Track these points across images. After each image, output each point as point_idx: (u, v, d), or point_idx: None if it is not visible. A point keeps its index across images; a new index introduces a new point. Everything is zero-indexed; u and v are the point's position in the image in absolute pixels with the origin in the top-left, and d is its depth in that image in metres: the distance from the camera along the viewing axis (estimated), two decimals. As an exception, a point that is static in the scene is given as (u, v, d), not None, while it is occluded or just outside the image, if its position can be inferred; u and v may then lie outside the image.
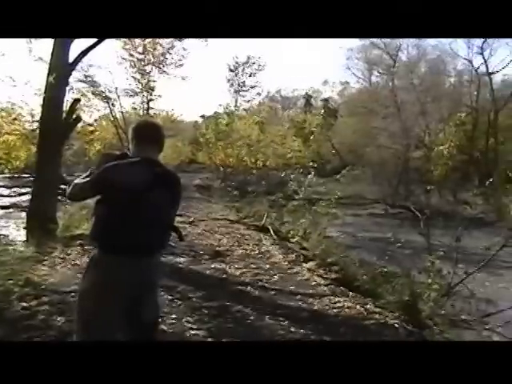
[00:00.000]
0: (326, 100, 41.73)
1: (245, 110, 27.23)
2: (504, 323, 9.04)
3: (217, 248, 10.72)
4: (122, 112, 28.43)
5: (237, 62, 39.94)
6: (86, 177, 3.51)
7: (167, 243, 3.71)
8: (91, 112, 24.49)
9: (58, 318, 5.63)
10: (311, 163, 13.62)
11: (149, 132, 3.68)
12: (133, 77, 29.81)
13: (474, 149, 40.23)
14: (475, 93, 42.09)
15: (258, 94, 47.35)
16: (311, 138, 12.92)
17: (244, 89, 39.22)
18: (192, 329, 5.68)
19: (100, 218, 3.36)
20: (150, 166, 3.46)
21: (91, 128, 25.82)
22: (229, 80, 40.99)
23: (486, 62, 39.49)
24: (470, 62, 41.83)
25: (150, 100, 30.00)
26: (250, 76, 39.41)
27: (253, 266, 9.38)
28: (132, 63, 29.01)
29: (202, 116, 42.04)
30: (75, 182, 3.55)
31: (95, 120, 28.06)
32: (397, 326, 6.73)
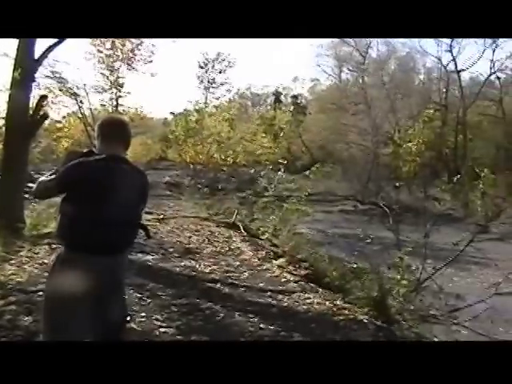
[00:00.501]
0: (295, 97, 41.72)
1: (215, 106, 27.13)
2: (472, 317, 9.17)
3: (186, 245, 10.69)
4: (90, 109, 28.07)
5: (206, 59, 39.77)
6: (52, 175, 3.45)
7: (134, 241, 3.68)
8: (59, 109, 24.25)
9: (25, 318, 5.55)
10: (281, 160, 13.60)
11: (115, 129, 3.63)
12: (101, 73, 29.35)
13: (443, 145, 40.66)
14: (444, 90, 42.59)
15: (228, 90, 47.28)
16: (281, 134, 12.95)
17: (214, 85, 39.06)
18: (161, 327, 5.65)
19: (66, 216, 3.32)
20: (116, 163, 3.42)
21: (59, 125, 25.51)
22: (198, 77, 40.87)
23: (454, 59, 40.00)
24: (439, 59, 42.38)
25: (119, 97, 29.73)
26: (220, 73, 39.23)
27: (223, 263, 9.37)
28: (100, 59, 28.52)
29: (172, 113, 41.83)
30: (40, 179, 3.50)
31: (63, 117, 27.72)
32: (366, 321, 6.78)
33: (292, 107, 15.82)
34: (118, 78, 29.24)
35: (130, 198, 3.45)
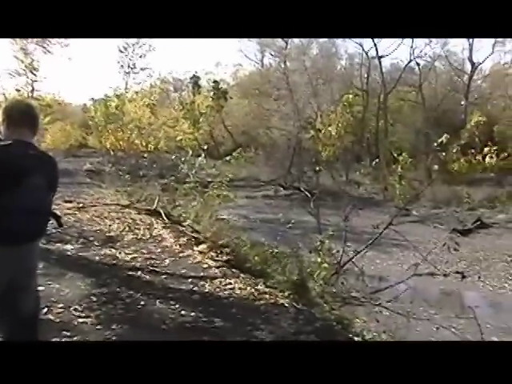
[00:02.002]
0: (215, 82, 41.49)
1: (135, 92, 26.61)
2: (393, 298, 9.42)
3: (107, 234, 10.52)
4: (3, 94, 27.17)
5: (126, 43, 38.95)
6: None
7: (45, 229, 3.59)
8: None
9: None
10: (203, 146, 13.53)
11: (21, 113, 3.51)
12: (15, 56, 28.40)
13: (365, 130, 41.47)
14: (365, 76, 43.37)
15: (149, 75, 46.62)
16: (201, 120, 12.88)
17: (134, 70, 38.38)
18: (80, 317, 5.56)
19: (-27, 205, 3.21)
20: (23, 148, 3.32)
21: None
22: (118, 61, 40.00)
23: (375, 45, 40.73)
24: (361, 45, 43.09)
25: (35, 81, 28.87)
26: (141, 57, 38.58)
27: (144, 250, 9.28)
28: (13, 40, 27.51)
29: (92, 99, 40.86)
30: None
31: (-26, 103, 26.75)
32: (287, 305, 6.87)
33: (213, 92, 15.75)
34: (33, 61, 28.33)
35: (40, 185, 3.35)
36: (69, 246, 9.10)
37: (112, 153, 24.81)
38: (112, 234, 10.56)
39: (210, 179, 12.94)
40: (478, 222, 24.45)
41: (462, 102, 39.41)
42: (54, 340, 4.68)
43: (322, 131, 10.91)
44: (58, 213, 3.82)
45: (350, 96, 12.23)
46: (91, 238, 9.95)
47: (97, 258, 8.55)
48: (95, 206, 13.84)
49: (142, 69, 36.99)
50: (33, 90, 28.74)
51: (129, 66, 37.11)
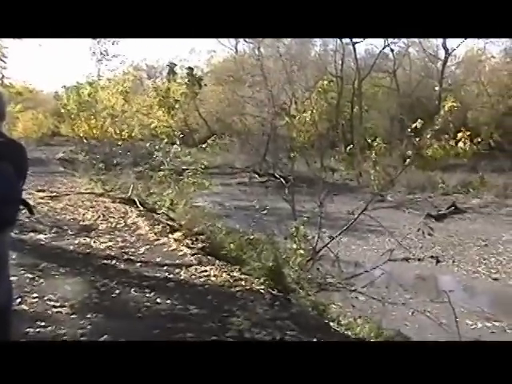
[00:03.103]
0: (190, 69, 41.06)
1: (108, 79, 26.23)
2: (368, 284, 9.48)
3: (81, 223, 10.45)
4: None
5: (98, 29, 38.33)
6: None
7: (16, 218, 3.52)
8: None
9: None
10: (177, 133, 13.44)
11: None
12: (-18, 43, 27.79)
13: (340, 116, 41.54)
14: (340, 62, 43.39)
15: (122, 62, 46.22)
16: (176, 107, 12.76)
17: (107, 57, 37.88)
18: (55, 306, 5.51)
19: None
20: None
21: None
22: (90, 48, 39.42)
23: (350, 31, 40.58)
24: (335, 31, 42.88)
25: (4, 68, 28.38)
26: (113, 44, 38.09)
27: (119, 239, 9.23)
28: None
29: (64, 86, 40.29)
30: None
31: None
32: (262, 291, 6.88)
33: (187, 79, 15.62)
34: (1, 47, 27.80)
35: (8, 173, 3.28)
36: (42, 236, 9.01)
37: (85, 141, 24.55)
38: (86, 222, 10.49)
39: (184, 167, 12.89)
40: (452, 208, 24.66)
41: (436, 88, 39.57)
42: (49, 340, 4.62)
43: (297, 118, 10.89)
44: (28, 201, 3.75)
45: (325, 82, 12.19)
46: (65, 227, 9.88)
47: (71, 247, 8.48)
48: (69, 194, 13.75)
49: (114, 55, 36.56)
50: (2, 76, 28.23)
51: (101, 53, 36.65)
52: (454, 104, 9.61)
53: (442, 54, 43.09)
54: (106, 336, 4.71)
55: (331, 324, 6.68)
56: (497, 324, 10.86)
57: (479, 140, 9.83)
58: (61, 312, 5.37)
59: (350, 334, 6.41)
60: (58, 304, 5.59)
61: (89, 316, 5.28)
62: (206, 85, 48.04)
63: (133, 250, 8.50)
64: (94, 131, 21.75)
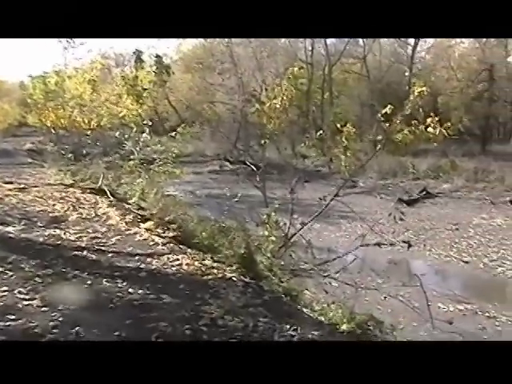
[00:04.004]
0: (158, 56, 40.77)
1: (75, 68, 25.89)
2: (341, 269, 9.52)
3: (51, 214, 10.30)
4: None
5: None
6: None
7: None
8: None
9: None
10: (147, 121, 13.33)
11: None
12: None
13: (310, 103, 41.62)
14: (310, 48, 43.43)
15: (89, 51, 45.83)
16: (144, 95, 12.64)
17: (73, 45, 37.31)
18: (25, 299, 5.43)
19: None
20: None
21: None
22: (56, 36, 38.78)
23: (320, 17, 40.61)
24: (305, 17, 42.89)
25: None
26: (80, 32, 37.47)
27: (89, 229, 9.11)
28: None
29: (30, 75, 39.50)
30: None
31: None
32: (235, 279, 6.88)
33: (155, 67, 15.39)
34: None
35: None
36: (11, 228, 8.86)
37: (53, 131, 24.30)
38: (56, 214, 10.34)
39: (155, 156, 12.81)
40: (424, 192, 24.93)
41: (406, 74, 39.80)
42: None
43: (267, 104, 10.85)
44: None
45: (295, 69, 12.15)
46: (34, 219, 9.72)
47: (41, 239, 8.34)
48: (37, 186, 13.55)
49: (81, 43, 36.10)
50: (-34, 67, 27.80)
51: (67, 41, 36.14)
52: (424, 89, 9.64)
53: (411, 39, 43.34)
54: (78, 328, 4.66)
55: (304, 310, 6.70)
56: (468, 307, 11.02)
57: (449, 125, 9.88)
58: (31, 305, 5.29)
59: (323, 319, 6.43)
60: (28, 297, 5.51)
61: (60, 308, 5.20)
62: (173, 73, 47.73)
63: (104, 240, 8.41)
64: (62, 121, 21.54)
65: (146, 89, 13.39)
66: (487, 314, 10.84)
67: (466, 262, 14.71)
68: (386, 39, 45.48)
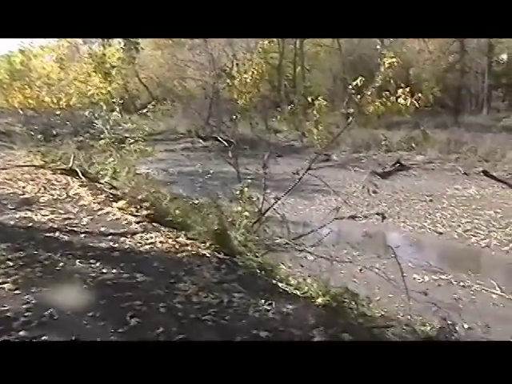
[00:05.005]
0: (127, 33, 40.53)
1: (41, 46, 25.44)
2: (316, 243, 9.54)
3: (21, 196, 10.17)
4: None
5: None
6: None
7: None
8: None
9: None
10: (116, 100, 13.15)
11: None
12: None
13: (282, 77, 41.49)
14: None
15: (55, 28, 44.93)
16: (113, 73, 12.42)
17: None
18: (-3, 283, 5.37)
19: None
20: None
21: None
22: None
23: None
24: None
25: None
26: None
27: (61, 210, 9.02)
28: None
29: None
30: None
31: None
32: (209, 255, 6.87)
33: (123, 43, 15.17)
34: None
35: None
36: (-20, 212, 8.76)
37: (21, 112, 23.90)
38: (27, 196, 10.21)
39: (126, 134, 12.67)
40: (397, 165, 25.06)
41: (378, 46, 39.73)
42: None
43: (237, 79, 10.76)
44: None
45: (265, 43, 12.07)
46: (4, 202, 9.59)
47: (11, 221, 8.25)
48: (6, 168, 13.36)
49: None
50: None
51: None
52: (394, 60, 9.62)
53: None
54: (51, 310, 4.62)
55: (280, 284, 6.71)
56: (443, 277, 11.12)
57: (419, 95, 9.90)
58: (3, 288, 5.23)
59: (298, 293, 6.44)
60: (0, 280, 5.45)
61: (33, 291, 5.15)
62: (143, 48, 47.27)
63: (76, 221, 8.33)
64: (30, 101, 21.20)
65: (114, 66, 13.19)
66: (462, 284, 10.96)
67: (441, 233, 14.84)
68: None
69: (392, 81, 10.15)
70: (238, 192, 9.20)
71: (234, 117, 11.17)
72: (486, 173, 23.00)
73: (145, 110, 12.92)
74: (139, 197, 9.22)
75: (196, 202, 9.55)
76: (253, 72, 11.05)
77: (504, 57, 43.97)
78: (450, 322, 6.12)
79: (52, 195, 10.28)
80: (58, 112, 19.11)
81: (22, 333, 4.19)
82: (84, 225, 8.12)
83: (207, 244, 7.24)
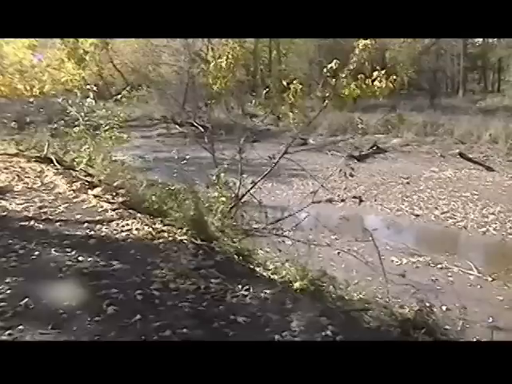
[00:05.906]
0: (100, 18, 40.07)
1: (14, 33, 25.05)
2: (294, 227, 9.55)
3: (-5, 185, 10.06)
4: None
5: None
6: None
7: None
8: None
9: None
10: (90, 86, 13.00)
11: None
12: None
13: (258, 61, 41.42)
14: (256, 5, 43.06)
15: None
16: (87, 59, 12.23)
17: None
18: (-29, 274, 5.31)
19: None
20: None
21: None
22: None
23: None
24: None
25: None
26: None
27: (36, 199, 8.91)
28: None
29: (-38, 42, 38.37)
30: None
31: None
32: (185, 241, 6.85)
33: (96, 29, 14.91)
34: None
35: None
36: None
37: (-7, 100, 23.56)
38: (0, 184, 10.10)
39: (101, 121, 12.55)
40: (374, 147, 25.21)
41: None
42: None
43: (212, 63, 10.67)
44: None
45: (240, 27, 11.93)
46: (-23, 193, 9.49)
47: (-15, 212, 8.16)
48: (-21, 158, 13.18)
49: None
50: None
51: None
52: (368, 42, 9.61)
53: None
54: (27, 299, 4.58)
55: (257, 269, 6.71)
56: (421, 259, 11.24)
57: (394, 78, 9.91)
58: (-23, 279, 5.18)
59: (276, 277, 6.44)
60: (-26, 272, 5.39)
61: (8, 280, 5.11)
62: (116, 34, 46.80)
63: (51, 209, 8.24)
64: (2, 89, 20.86)
65: (87, 52, 13.02)
66: (439, 266, 11.09)
67: (418, 215, 14.98)
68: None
69: (367, 63, 10.15)
70: (214, 177, 9.16)
71: (209, 102, 11.10)
72: (462, 155, 23.25)
73: (119, 97, 12.78)
74: (115, 184, 9.16)
75: (172, 188, 9.49)
76: (228, 56, 10.96)
77: (479, 39, 44.21)
78: (427, 304, 6.15)
79: (26, 184, 10.16)
80: (31, 99, 18.81)
81: (-3, 323, 4.16)
82: (59, 213, 8.04)
83: (184, 230, 7.21)
